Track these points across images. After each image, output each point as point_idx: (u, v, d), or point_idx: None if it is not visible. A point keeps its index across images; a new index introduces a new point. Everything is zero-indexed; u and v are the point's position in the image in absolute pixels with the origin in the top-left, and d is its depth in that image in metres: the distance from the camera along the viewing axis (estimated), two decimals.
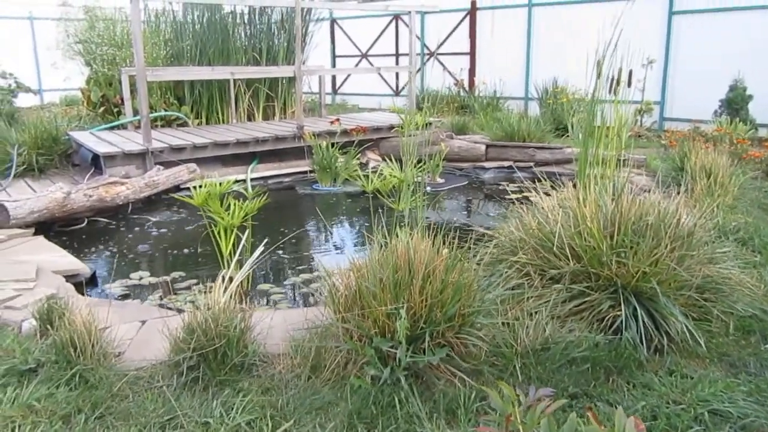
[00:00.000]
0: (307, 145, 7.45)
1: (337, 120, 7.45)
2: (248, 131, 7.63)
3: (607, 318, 2.94)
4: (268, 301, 3.81)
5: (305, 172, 7.52)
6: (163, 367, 2.64)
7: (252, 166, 7.27)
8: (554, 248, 3.11)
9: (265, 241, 3.74)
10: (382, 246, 2.87)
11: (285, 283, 4.15)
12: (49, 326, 2.81)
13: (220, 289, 3.04)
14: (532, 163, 7.79)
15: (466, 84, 13.86)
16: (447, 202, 6.75)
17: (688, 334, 2.85)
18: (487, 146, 8.06)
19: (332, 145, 7.15)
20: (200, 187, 3.87)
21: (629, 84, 5.08)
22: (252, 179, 7.13)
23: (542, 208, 3.55)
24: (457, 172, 7.93)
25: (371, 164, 7.99)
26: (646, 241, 3.04)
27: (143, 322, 3.15)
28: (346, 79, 15.46)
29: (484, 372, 2.58)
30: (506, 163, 7.92)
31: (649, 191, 5.08)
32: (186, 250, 4.86)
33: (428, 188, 7.11)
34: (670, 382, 2.60)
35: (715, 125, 9.39)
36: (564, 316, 2.95)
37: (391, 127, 8.24)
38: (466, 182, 7.55)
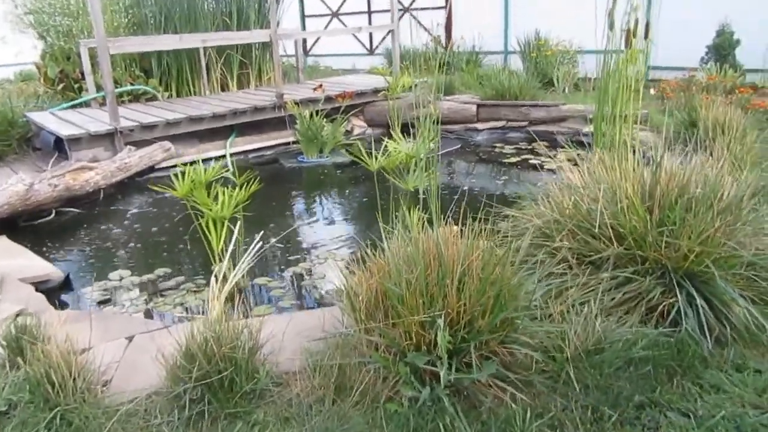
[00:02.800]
0: (288, 115, 6.96)
1: (320, 86, 6.95)
2: (224, 103, 7.09)
3: (660, 307, 2.61)
4: (269, 299, 3.41)
5: (288, 143, 7.04)
6: (161, 399, 2.25)
7: (230, 140, 6.77)
8: (596, 229, 2.75)
9: (260, 232, 3.33)
10: (404, 238, 2.50)
11: (284, 275, 3.75)
12: (20, 357, 2.39)
13: (217, 294, 2.65)
14: (526, 123, 7.41)
15: (443, 40, 13.34)
16: (446, 168, 6.35)
17: (751, 320, 2.54)
18: (478, 106, 7.64)
19: (316, 113, 6.68)
20: (182, 174, 3.42)
21: (646, 36, 4.70)
22: (232, 154, 6.64)
23: (569, 180, 3.18)
24: (450, 136, 7.52)
25: (356, 131, 7.54)
26: (698, 218, 2.69)
27: (130, 339, 2.74)
28: (317, 41, 14.79)
29: (535, 383, 2.25)
30: (499, 124, 7.53)
31: (660, 150, 4.73)
32: (169, 242, 4.42)
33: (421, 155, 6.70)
34: (741, 381, 2.30)
35: (704, 73, 9.10)
36: (611, 308, 2.62)
37: (376, 91, 7.76)
38: (459, 145, 7.15)
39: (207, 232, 3.42)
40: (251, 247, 3.38)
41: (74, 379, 2.23)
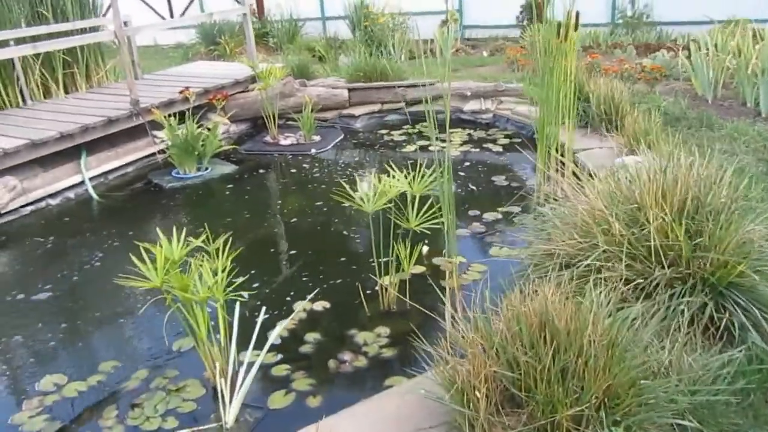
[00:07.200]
0: (147, 121, 5.97)
1: (187, 89, 6.02)
2: (65, 116, 5.84)
3: (715, 322, 2.67)
4: (277, 381, 2.87)
5: (152, 155, 6.07)
6: None
7: (83, 163, 5.62)
8: (653, 256, 2.70)
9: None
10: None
11: (273, 341, 3.18)
12: None
13: None
14: (402, 104, 7.23)
15: (254, 9, 12.74)
16: (353, 168, 5.88)
17: None
18: (350, 90, 7.27)
19: (181, 116, 5.79)
20: (150, 255, 2.69)
21: None
22: (90, 179, 5.54)
23: (590, 202, 3.08)
24: (325, 124, 7.07)
25: (220, 129, 6.74)
26: (730, 229, 2.77)
27: None
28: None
29: None
30: (375, 108, 7.25)
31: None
32: (87, 317, 3.54)
33: (313, 151, 6.22)
34: None
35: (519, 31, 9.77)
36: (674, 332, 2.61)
37: (237, 83, 6.99)
38: (342, 136, 6.75)
39: (186, 315, 2.76)
40: (273, 334, 2.85)
41: None
